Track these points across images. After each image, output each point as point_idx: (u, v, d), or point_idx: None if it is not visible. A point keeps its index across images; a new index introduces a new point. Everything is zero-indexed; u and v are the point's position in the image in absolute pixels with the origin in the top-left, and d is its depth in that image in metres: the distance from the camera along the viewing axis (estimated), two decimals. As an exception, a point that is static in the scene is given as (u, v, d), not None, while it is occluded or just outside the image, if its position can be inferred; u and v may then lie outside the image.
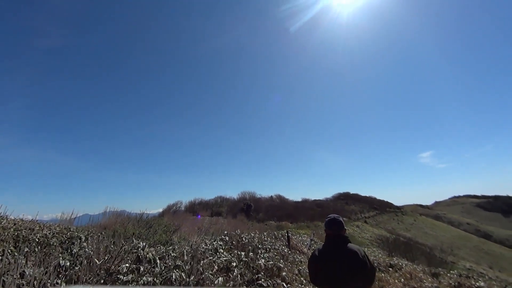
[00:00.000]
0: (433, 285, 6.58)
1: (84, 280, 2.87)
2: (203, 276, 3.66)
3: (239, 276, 4.17)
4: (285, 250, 6.79)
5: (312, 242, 11.97)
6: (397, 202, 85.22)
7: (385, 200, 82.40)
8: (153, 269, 3.60)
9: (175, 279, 3.47)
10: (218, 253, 4.98)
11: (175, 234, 8.35)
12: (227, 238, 5.93)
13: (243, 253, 5.09)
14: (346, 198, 79.98)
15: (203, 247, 5.06)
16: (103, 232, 5.98)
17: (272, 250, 5.98)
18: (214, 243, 5.56)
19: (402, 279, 6.72)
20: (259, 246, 5.78)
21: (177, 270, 3.48)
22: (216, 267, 4.12)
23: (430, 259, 17.26)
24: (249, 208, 34.31)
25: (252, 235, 6.47)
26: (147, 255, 3.80)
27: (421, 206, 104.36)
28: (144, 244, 4.01)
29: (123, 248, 3.88)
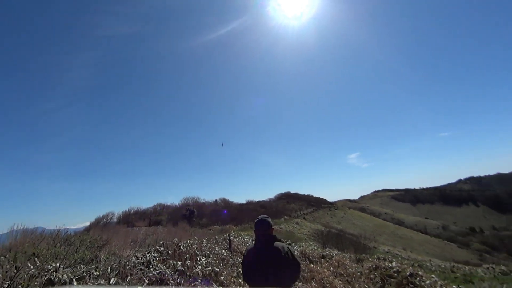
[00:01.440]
0: (357, 270, 7.52)
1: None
2: (130, 292, 3.38)
3: (174, 286, 3.99)
4: (225, 254, 6.79)
5: (254, 243, 12.26)
6: (330, 198, 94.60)
7: (321, 197, 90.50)
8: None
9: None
10: (151, 266, 4.67)
11: (102, 250, 7.46)
12: (162, 248, 5.61)
13: (179, 262, 4.90)
14: (287, 198, 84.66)
15: (133, 261, 4.67)
16: (7, 255, 4.95)
17: (211, 256, 5.92)
18: (148, 255, 5.19)
19: (331, 268, 7.47)
20: (198, 253, 5.66)
21: (99, 290, 3.13)
22: (147, 281, 3.86)
23: (356, 247, 19.64)
24: (192, 214, 33.06)
25: (191, 242, 6.28)
26: (62, 277, 3.32)
27: (349, 200, 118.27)
28: (58, 265, 3.48)
29: (29, 272, 3.29)
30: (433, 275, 6.93)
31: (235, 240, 11.67)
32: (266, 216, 2.84)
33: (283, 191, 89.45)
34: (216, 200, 50.45)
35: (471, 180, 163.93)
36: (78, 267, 4.46)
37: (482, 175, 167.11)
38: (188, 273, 4.70)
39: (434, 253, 52.29)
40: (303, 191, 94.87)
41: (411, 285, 5.57)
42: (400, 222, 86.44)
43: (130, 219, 35.20)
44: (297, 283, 5.75)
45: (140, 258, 4.97)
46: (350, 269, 7.51)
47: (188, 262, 5.04)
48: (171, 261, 4.99)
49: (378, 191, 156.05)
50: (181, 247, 5.90)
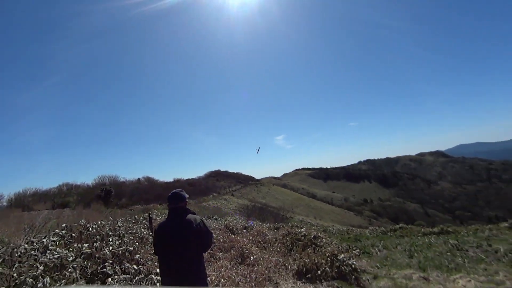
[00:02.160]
0: (273, 237, 8.40)
1: None
2: (16, 281, 2.91)
3: (77, 271, 3.62)
4: (144, 233, 6.50)
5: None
6: (257, 176, 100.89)
7: (249, 175, 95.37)
8: None
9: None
10: (49, 251, 4.07)
11: (-20, 239, 6.03)
12: (64, 231, 4.92)
13: (86, 244, 4.42)
14: (217, 175, 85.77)
15: (24, 248, 3.97)
16: None
17: (126, 235, 5.56)
18: (44, 240, 4.49)
19: (251, 237, 8.11)
20: (110, 233, 5.22)
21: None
22: (41, 267, 3.37)
23: (276, 218, 21.93)
24: (108, 194, 29.79)
25: (103, 223, 5.72)
26: None
27: (274, 178, 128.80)
28: None
29: None
30: (330, 237, 8.45)
31: (157, 218, 11.24)
32: (180, 189, 2.83)
33: (213, 169, 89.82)
34: (139, 178, 46.69)
35: (367, 162, 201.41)
36: None
37: (376, 158, 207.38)
38: (96, 255, 4.32)
39: (337, 220, 63.08)
40: (233, 170, 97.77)
41: (313, 245, 6.63)
42: (313, 196, 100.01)
43: (26, 201, 29.17)
44: (218, 253, 6.06)
45: (35, 244, 4.26)
46: (268, 236, 8.36)
47: (96, 244, 4.60)
48: (75, 244, 4.45)
49: (298, 169, 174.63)
50: (90, 229, 5.31)
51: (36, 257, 3.72)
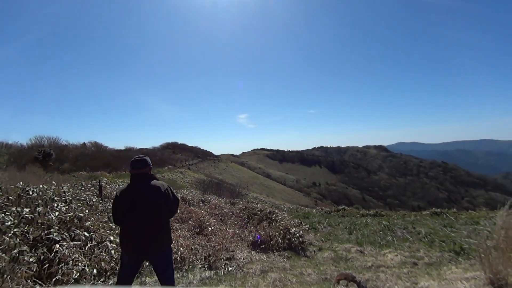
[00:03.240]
0: (230, 210, 8.64)
1: None
2: None
3: (16, 237, 3.27)
4: (94, 200, 6.09)
5: (127, 184, 11.59)
6: (216, 152, 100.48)
7: (207, 150, 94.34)
8: None
9: None
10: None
11: None
12: (-2, 193, 4.33)
13: (26, 209, 3.99)
14: (173, 148, 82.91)
15: None
16: None
17: (74, 201, 5.14)
18: (-30, 202, 3.91)
19: (208, 209, 8.23)
20: (55, 198, 4.76)
21: None
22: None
23: (232, 193, 22.49)
24: (47, 157, 26.60)
25: (45, 187, 5.16)
26: None
27: (232, 155, 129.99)
28: None
29: None
30: (284, 213, 9.07)
31: (107, 186, 10.58)
32: (143, 155, 2.71)
33: (169, 141, 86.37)
34: (84, 143, 42.42)
35: (321, 148, 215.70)
36: None
37: (328, 146, 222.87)
38: (39, 221, 3.94)
39: (288, 199, 67.34)
40: (191, 143, 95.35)
41: (268, 220, 7.05)
42: (268, 176, 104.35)
43: None
44: (175, 223, 6.04)
45: (-43, 206, 3.68)
46: (225, 210, 8.58)
47: (39, 209, 4.17)
48: (13, 208, 3.98)
49: (257, 149, 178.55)
50: (30, 192, 4.76)
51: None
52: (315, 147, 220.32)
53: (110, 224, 4.78)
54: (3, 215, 3.66)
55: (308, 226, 8.53)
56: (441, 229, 7.20)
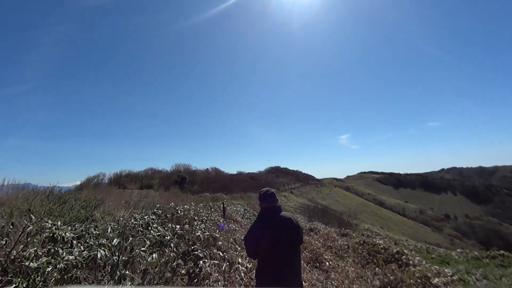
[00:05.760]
0: (344, 243, 7.88)
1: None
2: (133, 253, 3.38)
3: (174, 249, 4.03)
4: (221, 220, 6.91)
5: (246, 212, 12.62)
6: (318, 176, 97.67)
7: (309, 174, 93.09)
8: (70, 249, 3.11)
9: (100, 258, 3.10)
10: (150, 228, 4.68)
11: (97, 210, 7.46)
12: (159, 211, 5.61)
13: (178, 226, 4.92)
14: (276, 172, 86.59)
15: (132, 223, 4.66)
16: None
17: (208, 221, 6.00)
18: (146, 217, 5.19)
19: (321, 240, 7.78)
20: (195, 218, 5.71)
21: (102, 248, 3.10)
22: (148, 242, 3.86)
23: (340, 222, 20.73)
24: (183, 181, 33.43)
25: (188, 207, 6.32)
26: (65, 235, 3.24)
27: (336, 179, 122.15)
28: (58, 222, 3.40)
29: (27, 230, 3.19)
30: (417, 255, 7.36)
31: (228, 208, 11.95)
32: (268, 188, 2.80)
33: (273, 166, 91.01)
34: (207, 168, 51.01)
35: (453, 170, 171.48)
36: (74, 225, 4.42)
37: (464, 166, 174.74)
38: (187, 237, 4.75)
39: (409, 233, 55.78)
40: (292, 167, 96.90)
41: (398, 262, 5.87)
42: (381, 203, 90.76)
43: (121, 181, 35.39)
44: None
45: (139, 220, 4.95)
46: (339, 242, 7.86)
47: (186, 226, 5.07)
48: (169, 224, 5.01)
49: (364, 172, 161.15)
50: (179, 212, 5.92)
51: (143, 232, 4.32)
52: (443, 169, 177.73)
53: (236, 246, 5.23)
54: (164, 230, 4.65)
55: (453, 276, 6.56)
56: None
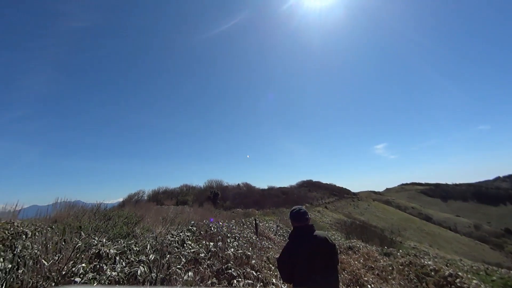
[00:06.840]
0: (388, 263, 7.25)
1: (31, 284, 2.51)
2: (170, 271, 3.49)
3: (208, 267, 4.07)
4: (253, 238, 6.85)
5: (278, 228, 12.34)
6: (353, 189, 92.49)
7: (344, 187, 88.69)
8: (113, 265, 3.31)
9: (140, 274, 3.25)
10: (185, 245, 4.80)
11: (137, 226, 7.89)
12: (194, 228, 5.75)
13: (211, 243, 4.98)
14: (309, 186, 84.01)
15: (169, 239, 4.83)
16: (53, 227, 5.36)
17: (241, 239, 5.98)
18: (181, 234, 5.35)
19: (361, 260, 7.26)
20: (228, 235, 5.74)
21: (142, 265, 3.25)
22: (183, 259, 3.96)
23: (382, 240, 19.11)
24: (216, 196, 34.09)
25: (221, 224, 6.39)
26: (109, 251, 3.48)
27: (374, 192, 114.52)
28: (104, 239, 3.67)
29: (77, 246, 3.49)
30: (474, 277, 6.44)
31: (260, 224, 11.82)
32: (300, 206, 2.73)
33: (304, 179, 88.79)
34: (239, 184, 51.50)
35: (510, 178, 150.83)
36: (118, 241, 4.71)
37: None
38: (220, 255, 4.78)
39: (463, 252, 49.46)
40: (325, 180, 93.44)
41: (453, 286, 5.21)
42: (427, 218, 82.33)
43: (159, 197, 37.26)
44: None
45: (175, 237, 5.12)
46: (381, 263, 7.25)
47: (219, 243, 5.11)
48: (203, 242, 5.09)
49: (406, 184, 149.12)
50: (212, 228, 6.01)
51: (178, 249, 4.45)
52: (499, 177, 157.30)
53: (269, 265, 5.10)
54: (198, 247, 4.74)
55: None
56: None
